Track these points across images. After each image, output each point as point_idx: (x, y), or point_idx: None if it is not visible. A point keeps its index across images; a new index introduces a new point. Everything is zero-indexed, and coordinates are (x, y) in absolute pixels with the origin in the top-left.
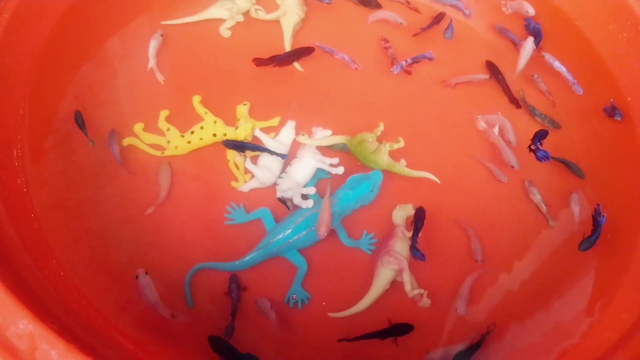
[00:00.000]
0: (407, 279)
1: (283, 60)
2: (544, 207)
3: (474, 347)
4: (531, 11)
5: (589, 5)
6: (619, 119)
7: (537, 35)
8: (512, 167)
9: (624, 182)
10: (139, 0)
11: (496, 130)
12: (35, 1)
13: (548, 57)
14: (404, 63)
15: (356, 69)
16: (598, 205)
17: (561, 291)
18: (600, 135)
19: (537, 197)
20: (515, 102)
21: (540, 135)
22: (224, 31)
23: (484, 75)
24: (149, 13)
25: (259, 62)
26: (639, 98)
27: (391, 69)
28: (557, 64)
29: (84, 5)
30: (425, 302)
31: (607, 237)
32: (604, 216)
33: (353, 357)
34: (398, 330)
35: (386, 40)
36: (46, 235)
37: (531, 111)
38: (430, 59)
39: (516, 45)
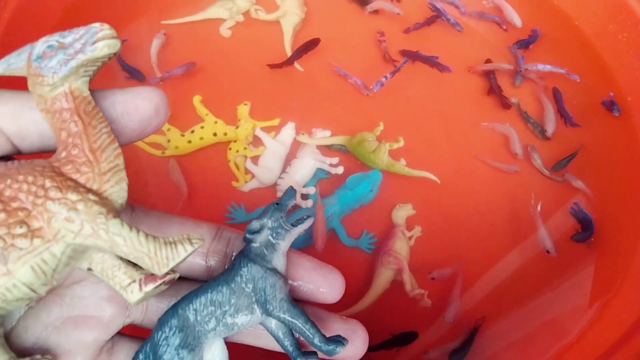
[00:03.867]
0: (407, 278)
1: (295, 57)
2: (546, 171)
3: (468, 343)
4: (518, 23)
5: (589, 5)
6: (617, 114)
7: (534, 37)
8: (548, 251)
9: (624, 181)
10: (138, 0)
11: (539, 208)
12: (35, 1)
13: (530, 66)
14: (383, 80)
15: (367, 95)
16: (575, 203)
17: (560, 290)
18: (599, 135)
19: (537, 162)
20: (505, 105)
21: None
22: (224, 31)
23: (508, 65)
24: (148, 13)
25: (273, 66)
26: (639, 98)
27: (371, 87)
28: (540, 67)
29: (84, 6)
30: (426, 302)
31: (606, 234)
32: (580, 209)
33: None
34: (403, 339)
35: (382, 34)
36: None
37: (525, 118)
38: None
39: (500, 26)
